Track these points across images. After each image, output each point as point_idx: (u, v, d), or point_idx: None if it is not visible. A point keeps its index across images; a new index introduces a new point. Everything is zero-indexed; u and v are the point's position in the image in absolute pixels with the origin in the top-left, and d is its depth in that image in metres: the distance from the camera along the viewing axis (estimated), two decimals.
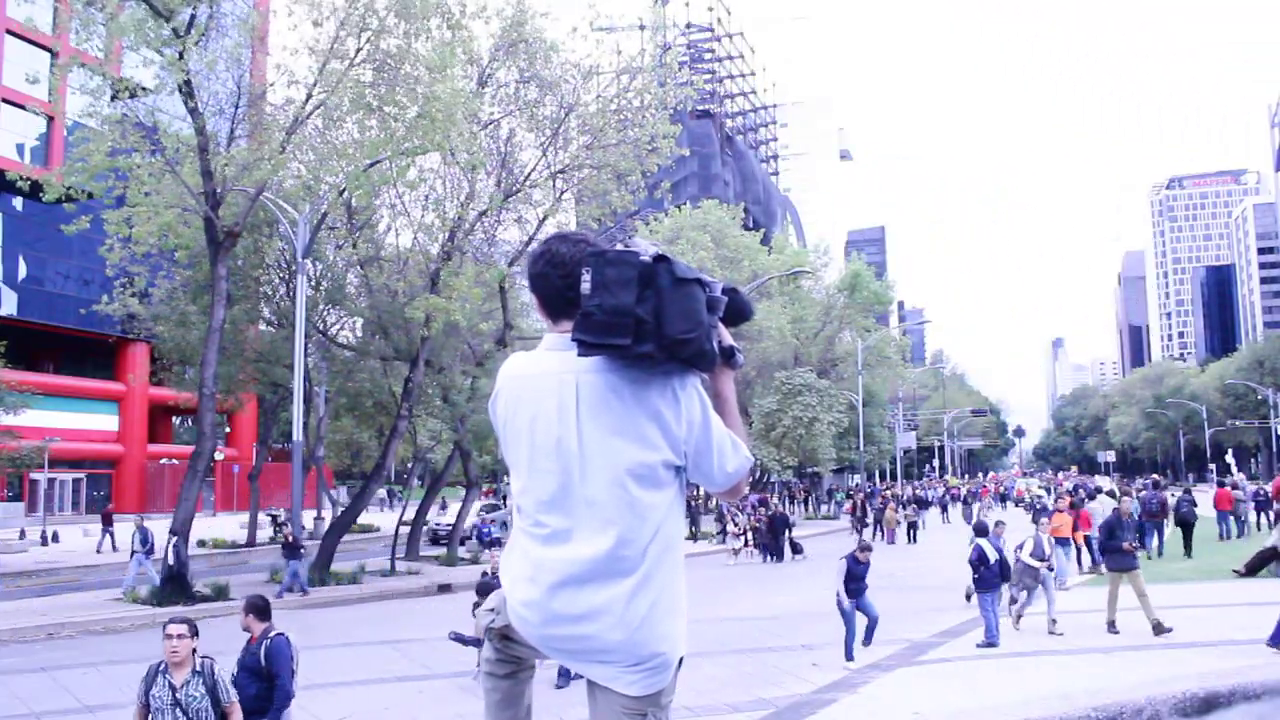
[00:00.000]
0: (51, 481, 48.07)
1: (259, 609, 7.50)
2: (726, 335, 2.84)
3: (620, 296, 2.65)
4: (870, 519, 40.22)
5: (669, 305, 2.66)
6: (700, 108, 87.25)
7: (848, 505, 41.97)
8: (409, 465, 43.04)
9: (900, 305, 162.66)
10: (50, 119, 42.63)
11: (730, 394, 2.91)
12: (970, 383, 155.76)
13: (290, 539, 22.99)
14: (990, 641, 13.28)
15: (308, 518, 33.89)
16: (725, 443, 2.83)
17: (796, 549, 30.40)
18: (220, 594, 21.88)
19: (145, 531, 22.87)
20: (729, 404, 2.90)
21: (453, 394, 29.16)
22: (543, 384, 2.87)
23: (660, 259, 2.70)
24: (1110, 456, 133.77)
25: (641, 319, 2.64)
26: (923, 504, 44.31)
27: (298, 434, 24.34)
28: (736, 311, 2.87)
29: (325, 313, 29.97)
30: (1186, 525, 26.73)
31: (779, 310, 52.67)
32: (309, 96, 22.36)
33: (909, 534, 38.14)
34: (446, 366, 28.92)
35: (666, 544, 2.83)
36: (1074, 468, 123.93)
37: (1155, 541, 26.31)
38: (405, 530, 30.77)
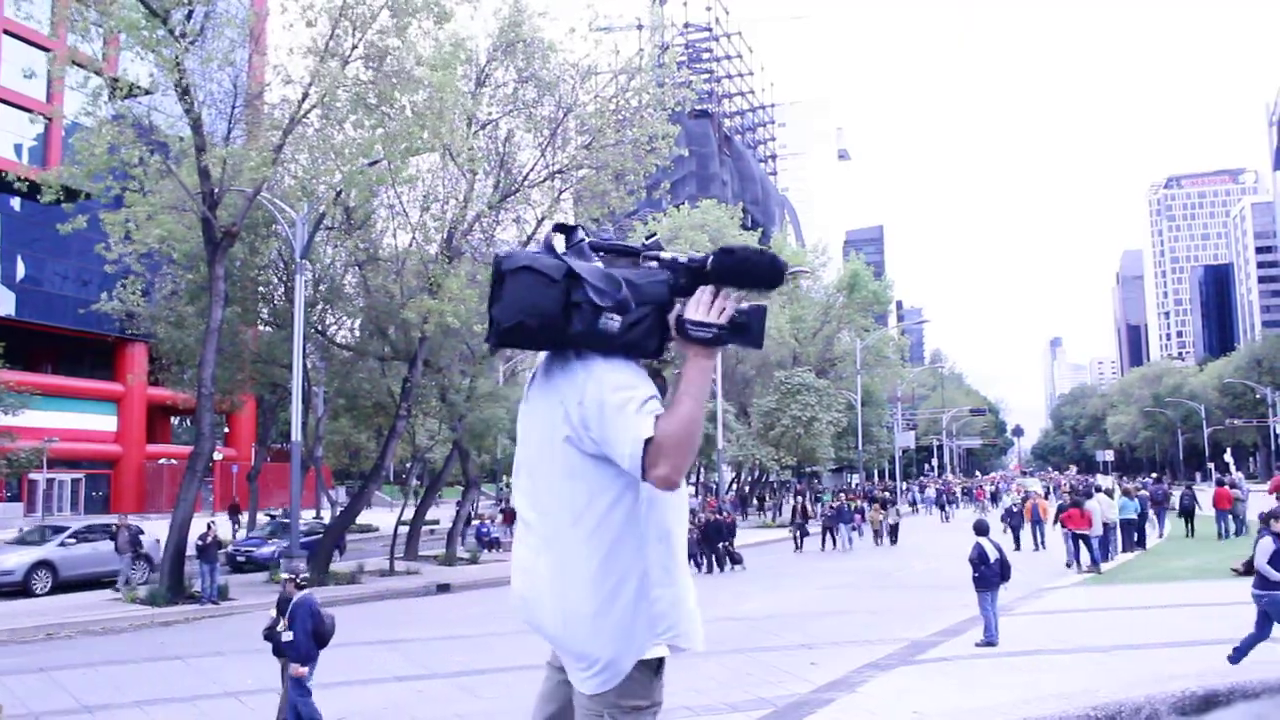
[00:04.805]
0: (50, 482, 47.97)
1: None
2: (696, 309, 2.75)
3: (490, 298, 2.85)
4: (811, 527, 36.44)
5: (501, 299, 2.78)
6: (698, 108, 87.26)
7: (824, 508, 39.07)
8: (408, 465, 43.04)
9: (899, 305, 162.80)
10: (48, 119, 42.60)
11: (691, 374, 2.72)
12: (969, 382, 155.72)
13: (212, 540, 22.09)
14: (989, 640, 13.27)
15: (307, 517, 33.81)
16: (622, 430, 2.69)
17: (735, 559, 28.52)
18: (221, 594, 21.91)
19: None
20: (686, 384, 2.71)
21: (451, 394, 29.13)
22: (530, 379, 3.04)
23: (501, 255, 2.84)
24: (1109, 456, 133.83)
25: (491, 318, 2.81)
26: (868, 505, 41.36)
27: (296, 434, 24.31)
28: (740, 272, 2.78)
29: (323, 313, 29.94)
30: (1189, 513, 32.67)
31: (777, 310, 52.72)
32: (305, 96, 22.35)
33: (891, 535, 37.64)
34: (445, 366, 28.90)
35: (592, 536, 2.80)
36: (1073, 467, 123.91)
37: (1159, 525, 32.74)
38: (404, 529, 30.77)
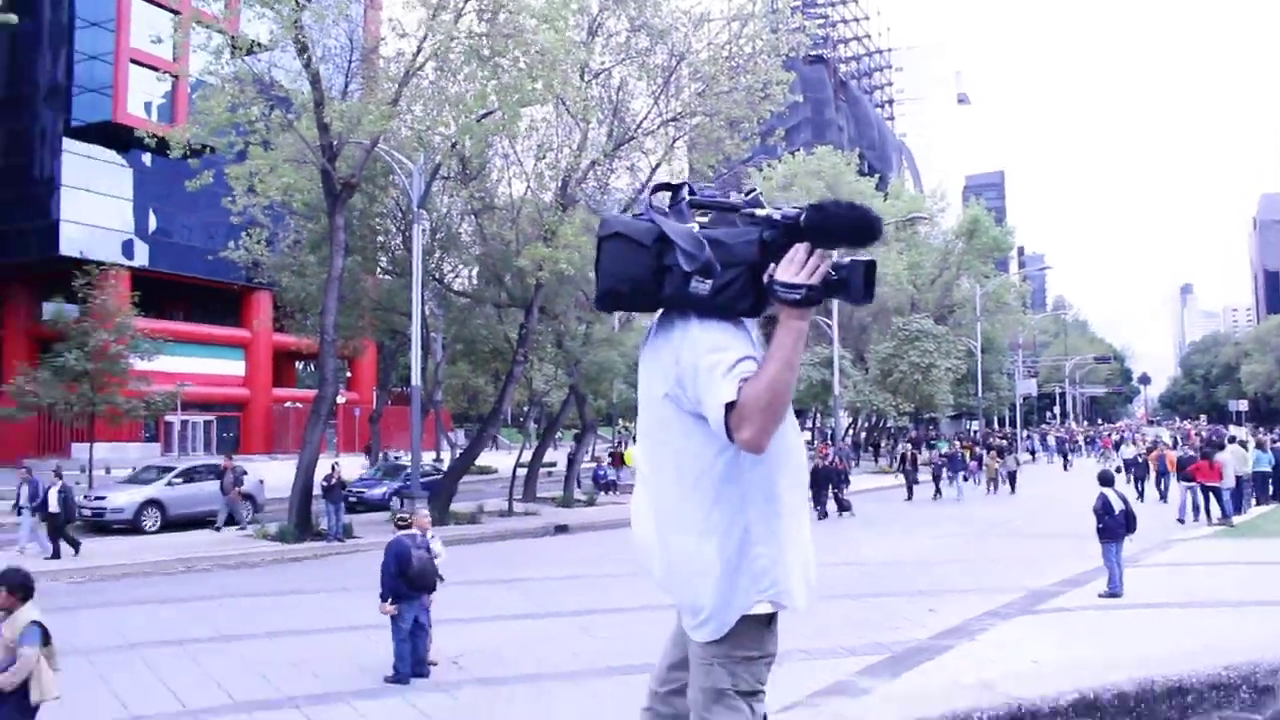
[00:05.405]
0: (184, 424, 50.13)
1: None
2: (787, 269, 2.67)
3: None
4: (922, 475, 35.57)
5: (599, 263, 2.91)
6: (813, 53, 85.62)
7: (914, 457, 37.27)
8: (525, 408, 43.71)
9: (1020, 251, 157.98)
10: (175, 77, 43.87)
11: (780, 337, 2.67)
12: (1094, 330, 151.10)
13: (337, 481, 22.89)
14: (1113, 592, 12.99)
15: (426, 459, 34.53)
16: (709, 392, 2.70)
17: (844, 507, 28.28)
18: (346, 532, 22.67)
19: (35, 484, 20.70)
20: (775, 347, 2.67)
21: (567, 340, 29.43)
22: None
23: (602, 221, 2.96)
24: (1243, 405, 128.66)
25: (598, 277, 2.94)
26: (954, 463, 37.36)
27: (416, 379, 24.86)
28: (830, 229, 2.67)
29: (440, 261, 30.41)
30: None
31: (895, 257, 51.85)
32: (419, 49, 22.57)
33: (1009, 483, 36.93)
34: (561, 313, 29.15)
35: (695, 490, 2.83)
36: (1202, 416, 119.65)
37: None
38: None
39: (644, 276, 2.78)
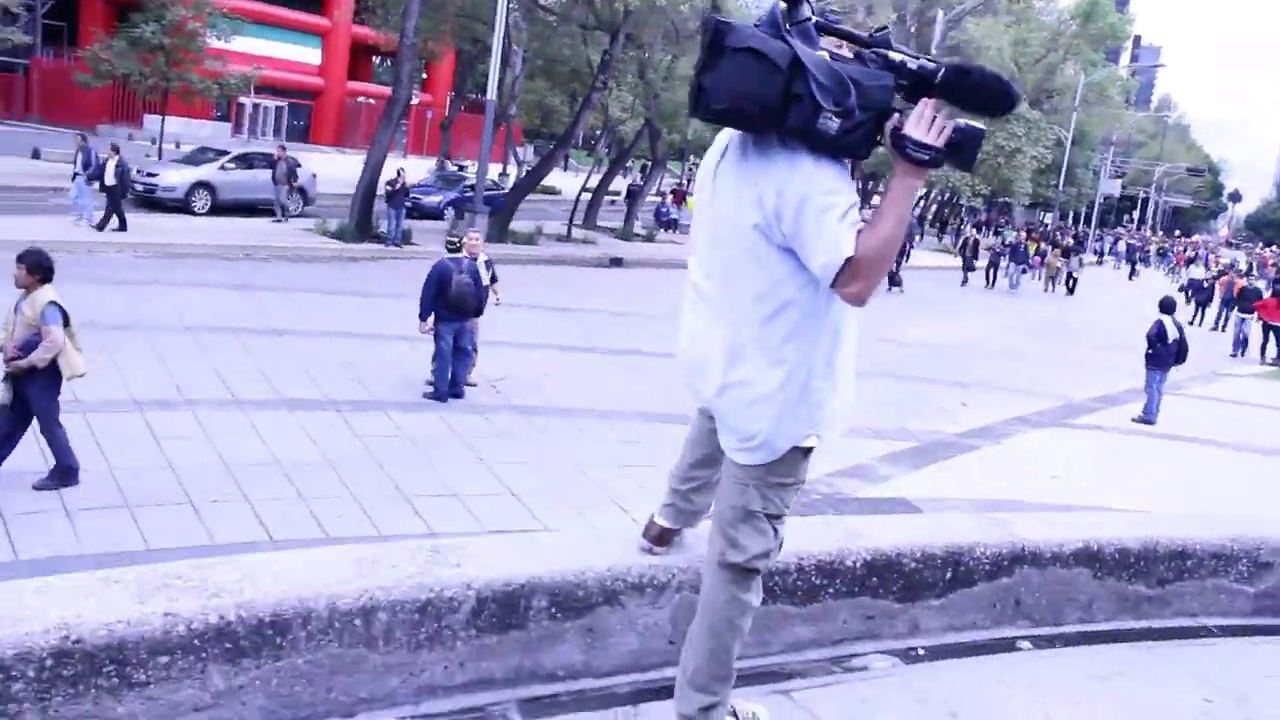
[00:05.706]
0: (257, 107, 49.96)
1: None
2: (918, 126, 2.55)
3: (700, 62, 2.64)
4: (978, 264, 34.83)
5: (718, 72, 2.58)
6: None
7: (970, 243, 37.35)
8: (597, 133, 43.21)
9: (1136, 41, 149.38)
10: None
11: (898, 194, 2.61)
12: (1194, 136, 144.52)
13: (401, 186, 22.87)
14: (1147, 418, 13.03)
15: (492, 172, 34.41)
16: (820, 237, 2.59)
17: (895, 282, 27.75)
18: (404, 238, 22.95)
19: (89, 152, 20.84)
20: (891, 203, 2.60)
21: (650, 71, 28.70)
22: (717, 143, 2.94)
23: (723, 25, 2.60)
24: None
25: (701, 86, 2.61)
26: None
27: (492, 92, 24.49)
28: (971, 94, 2.57)
29: None
30: None
31: (1001, 29, 49.22)
32: None
33: (1069, 284, 36.43)
34: (647, 42, 28.31)
35: (771, 321, 2.78)
36: None
37: None
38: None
39: (773, 102, 2.57)
